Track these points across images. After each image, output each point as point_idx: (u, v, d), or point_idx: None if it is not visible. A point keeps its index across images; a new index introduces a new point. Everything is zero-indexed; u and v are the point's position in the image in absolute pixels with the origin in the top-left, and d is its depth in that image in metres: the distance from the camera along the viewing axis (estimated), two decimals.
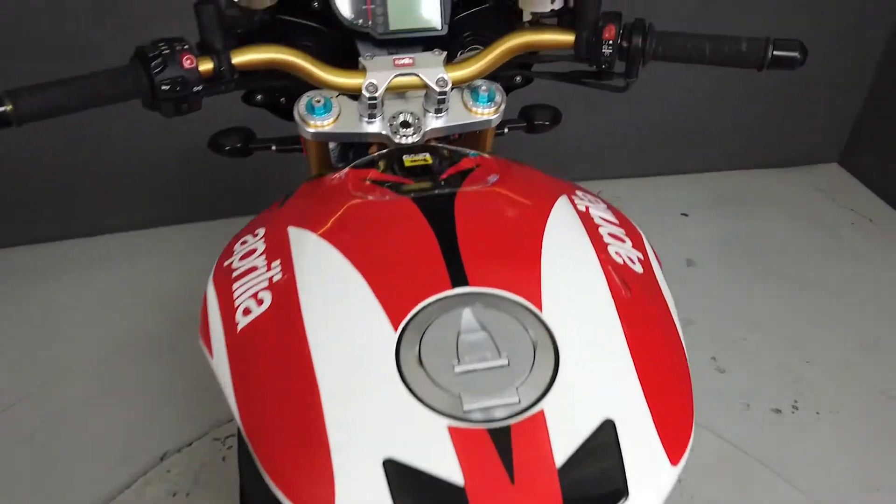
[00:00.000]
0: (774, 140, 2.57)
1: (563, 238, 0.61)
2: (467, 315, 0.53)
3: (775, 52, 0.74)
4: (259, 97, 0.97)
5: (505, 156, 0.89)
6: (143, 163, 2.17)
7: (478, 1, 0.97)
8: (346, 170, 0.77)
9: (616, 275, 0.59)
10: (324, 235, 0.62)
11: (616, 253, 0.63)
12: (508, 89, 1.01)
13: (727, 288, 2.10)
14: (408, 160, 0.77)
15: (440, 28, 0.93)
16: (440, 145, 0.85)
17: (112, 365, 1.82)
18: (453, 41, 0.97)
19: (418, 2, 0.93)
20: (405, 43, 0.95)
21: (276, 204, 0.79)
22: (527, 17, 0.82)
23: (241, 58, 0.77)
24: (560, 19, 0.82)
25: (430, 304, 0.54)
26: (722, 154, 2.58)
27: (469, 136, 0.98)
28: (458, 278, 0.56)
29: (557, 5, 0.79)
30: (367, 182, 0.72)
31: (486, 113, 0.88)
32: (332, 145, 1.01)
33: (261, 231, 0.70)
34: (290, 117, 0.87)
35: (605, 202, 0.77)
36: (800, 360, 1.86)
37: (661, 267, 0.72)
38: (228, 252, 0.71)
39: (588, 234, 0.63)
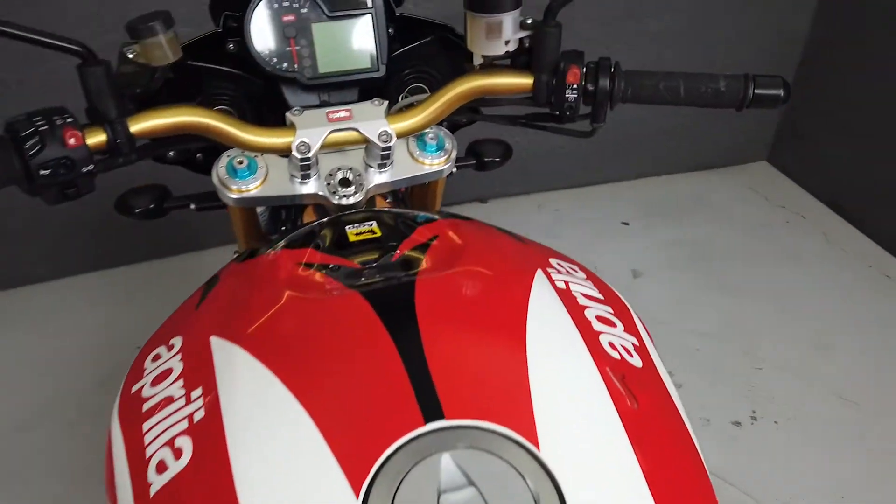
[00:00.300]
0: (705, 142, 2.58)
1: (551, 338, 0.52)
2: (448, 463, 0.43)
3: (756, 91, 0.67)
4: (171, 154, 0.84)
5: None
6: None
7: (417, 35, 0.86)
8: (279, 251, 0.65)
9: (616, 378, 0.50)
10: (256, 353, 0.50)
11: (610, 344, 0.54)
12: (453, 128, 0.92)
13: (675, 297, 2.07)
14: (352, 233, 0.66)
15: (377, 69, 0.83)
16: (387, 209, 0.75)
17: (29, 436, 1.63)
18: (393, 80, 0.87)
19: (349, 41, 0.81)
20: (338, 86, 0.84)
21: (197, 294, 0.66)
22: (478, 61, 0.72)
23: (141, 125, 0.64)
24: (514, 60, 0.72)
25: (399, 449, 0.43)
26: (655, 159, 2.57)
27: (417, 186, 0.88)
28: (431, 409, 0.45)
29: (512, 46, 0.70)
30: (306, 269, 0.61)
31: (435, 163, 0.79)
32: (260, 209, 0.89)
33: (177, 342, 0.57)
34: (210, 172, 0.75)
35: (581, 268, 0.68)
36: (753, 367, 1.84)
37: (652, 341, 0.64)
38: (137, 371, 0.57)
39: (576, 324, 0.54)
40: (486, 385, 0.47)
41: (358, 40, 0.82)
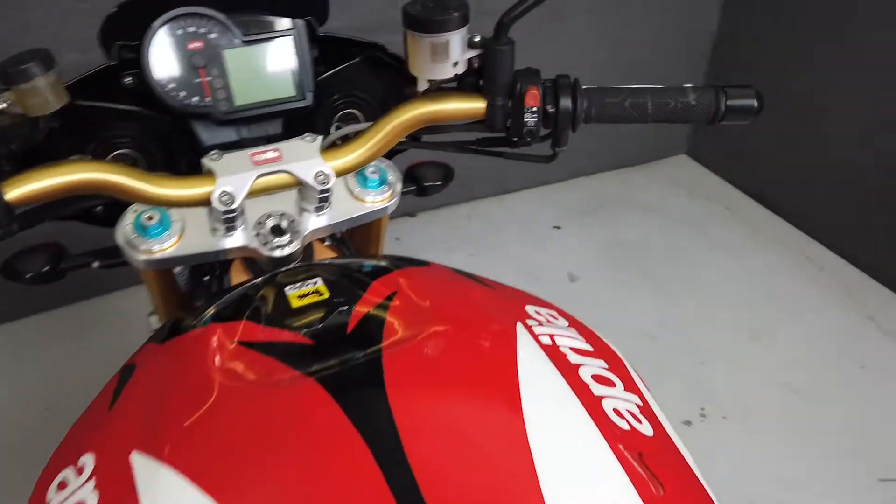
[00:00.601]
0: (627, 138, 2.59)
1: (551, 416, 0.44)
2: None
3: (729, 103, 0.61)
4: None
5: None
6: None
7: (344, 56, 0.77)
8: (208, 325, 0.54)
9: (633, 459, 0.43)
10: (193, 475, 0.40)
11: (615, 411, 0.47)
12: (389, 154, 0.83)
13: (613, 299, 2.06)
14: (294, 296, 0.56)
15: (302, 97, 0.73)
16: (329, 261, 0.65)
17: None
18: (321, 107, 0.77)
19: (269, 67, 0.72)
20: (259, 119, 0.73)
21: (109, 389, 0.54)
22: (423, 85, 0.64)
23: (19, 190, 0.52)
24: (461, 82, 0.64)
25: None
26: (581, 160, 2.56)
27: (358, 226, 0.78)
28: None
29: (461, 68, 0.62)
30: (243, 348, 0.50)
31: (379, 200, 0.70)
32: (178, 268, 0.77)
33: (88, 462, 0.46)
34: (114, 223, 0.64)
35: (560, 313, 0.61)
36: (696, 363, 1.85)
37: (648, 390, 0.57)
38: None
39: (575, 391, 0.46)
40: (487, 492, 0.39)
41: (279, 66, 0.72)
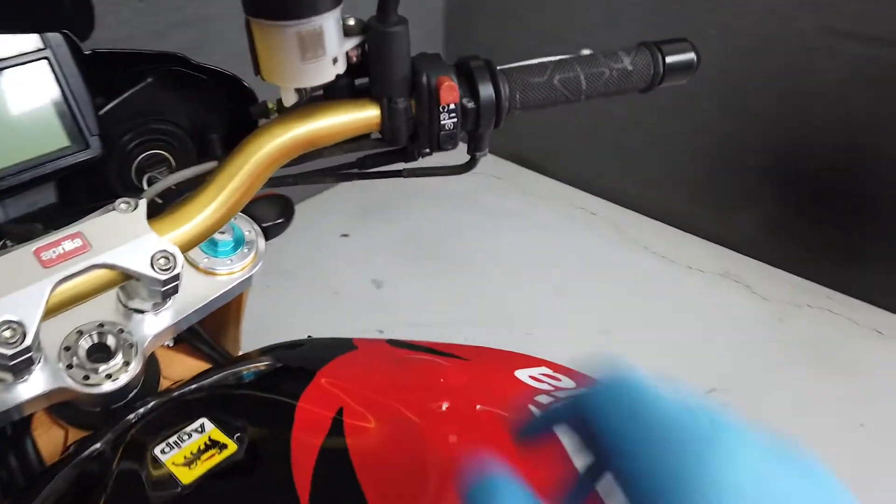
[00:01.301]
0: None
1: None
2: None
3: (668, 60, 0.52)
4: None
5: None
6: None
7: (131, 78, 0.54)
8: None
9: None
10: None
11: None
12: None
13: (425, 294, 1.98)
14: (175, 462, 0.36)
15: (84, 144, 0.50)
16: (198, 384, 0.44)
17: None
18: (113, 153, 0.54)
19: (18, 110, 0.47)
20: (20, 188, 0.49)
21: None
22: (290, 99, 0.45)
23: None
24: (331, 88, 0.46)
25: None
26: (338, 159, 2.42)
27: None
28: None
29: (342, 67, 0.44)
30: None
31: (238, 269, 0.51)
32: None
33: None
34: None
35: (552, 366, 0.48)
36: (522, 335, 1.84)
37: None
38: None
39: None
40: None
41: (34, 106, 0.47)
